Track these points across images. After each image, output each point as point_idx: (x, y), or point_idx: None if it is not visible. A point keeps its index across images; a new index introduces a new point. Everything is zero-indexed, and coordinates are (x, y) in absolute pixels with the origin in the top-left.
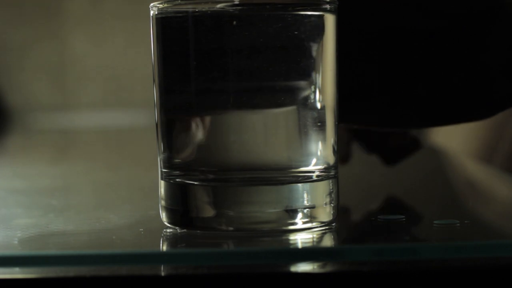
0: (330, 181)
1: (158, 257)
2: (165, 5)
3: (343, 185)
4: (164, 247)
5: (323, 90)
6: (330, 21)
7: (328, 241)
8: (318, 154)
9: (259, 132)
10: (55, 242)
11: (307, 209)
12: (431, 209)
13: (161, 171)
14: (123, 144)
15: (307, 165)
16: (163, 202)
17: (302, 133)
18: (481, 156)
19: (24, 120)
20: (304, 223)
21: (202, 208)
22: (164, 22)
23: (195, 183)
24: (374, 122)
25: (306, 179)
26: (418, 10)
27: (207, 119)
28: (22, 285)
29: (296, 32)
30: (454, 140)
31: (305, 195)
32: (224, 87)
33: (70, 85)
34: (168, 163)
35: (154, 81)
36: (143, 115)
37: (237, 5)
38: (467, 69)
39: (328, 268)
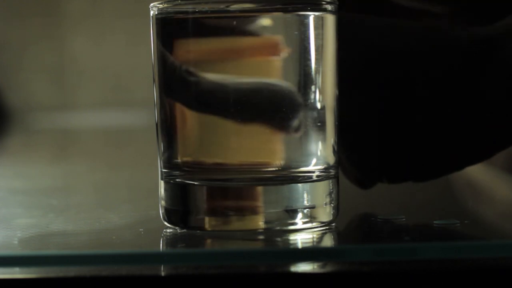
0: (330, 181)
1: (158, 257)
2: (165, 5)
3: (343, 185)
4: (164, 247)
5: (323, 90)
6: (330, 21)
7: (328, 241)
8: (318, 154)
9: (259, 131)
10: (55, 242)
11: (307, 209)
12: (431, 209)
13: (161, 171)
14: (123, 144)
15: (307, 165)
16: (163, 202)
17: (302, 133)
18: None
19: (24, 120)
20: (304, 223)
21: (202, 208)
22: (164, 22)
23: (195, 183)
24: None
25: (306, 179)
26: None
27: (207, 118)
28: (22, 285)
29: (296, 32)
30: None
31: (305, 195)
32: (223, 86)
33: (69, 85)
34: (168, 163)
35: (154, 81)
36: (143, 115)
37: (237, 5)
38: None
39: (328, 268)
